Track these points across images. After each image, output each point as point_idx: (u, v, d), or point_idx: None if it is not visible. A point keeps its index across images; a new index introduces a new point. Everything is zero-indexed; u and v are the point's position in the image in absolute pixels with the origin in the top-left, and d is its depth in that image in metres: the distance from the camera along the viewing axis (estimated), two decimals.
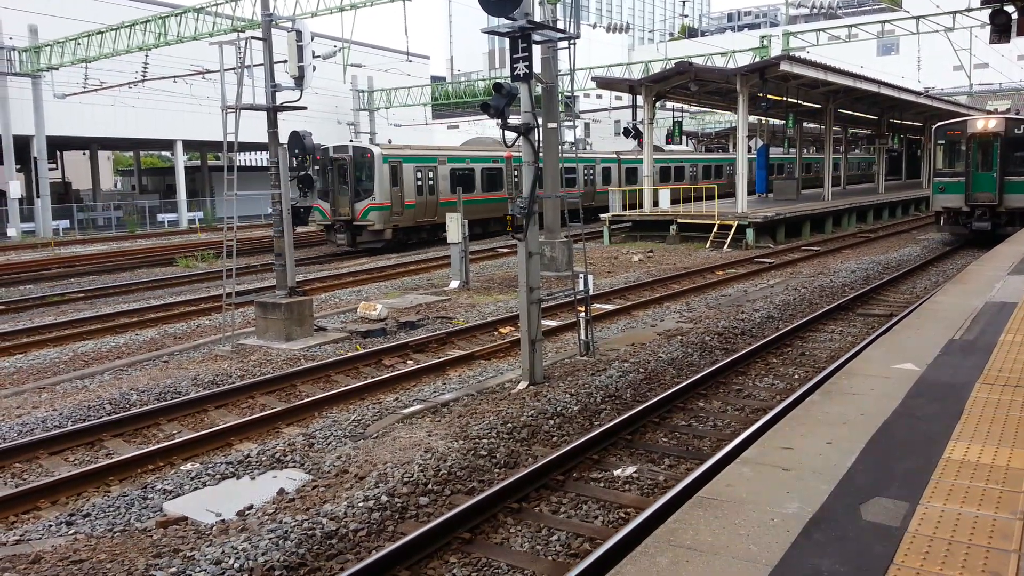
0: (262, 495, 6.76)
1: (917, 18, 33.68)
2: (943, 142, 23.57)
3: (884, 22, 36.33)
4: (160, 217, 44.17)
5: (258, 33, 13.35)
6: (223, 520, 6.33)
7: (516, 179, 29.32)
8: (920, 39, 42.24)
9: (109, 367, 11.55)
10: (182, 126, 42.74)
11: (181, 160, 45.51)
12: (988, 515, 4.03)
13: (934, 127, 24.71)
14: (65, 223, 40.09)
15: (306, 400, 9.45)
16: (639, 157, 35.14)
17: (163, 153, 71.99)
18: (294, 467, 7.39)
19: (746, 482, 4.51)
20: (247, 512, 6.46)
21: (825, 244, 25.85)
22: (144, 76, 33.59)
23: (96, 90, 34.16)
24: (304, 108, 12.98)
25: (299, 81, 12.80)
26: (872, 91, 31.37)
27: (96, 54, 33.76)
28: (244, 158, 70.05)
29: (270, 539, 5.77)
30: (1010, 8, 13.12)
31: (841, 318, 13.59)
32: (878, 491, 4.31)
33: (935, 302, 10.06)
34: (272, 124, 13.09)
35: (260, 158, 67.14)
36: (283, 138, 13.09)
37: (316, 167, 24.61)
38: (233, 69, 12.80)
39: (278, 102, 13.04)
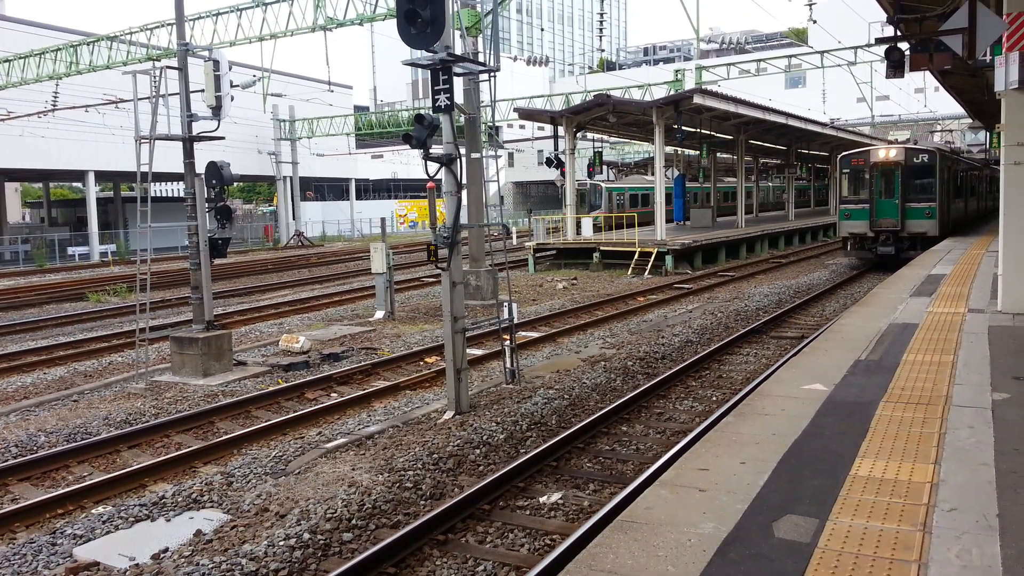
0: (178, 537, 6.54)
1: (821, 53, 35.37)
2: (848, 171, 24.61)
3: (790, 56, 37.93)
4: (71, 250, 42.53)
5: (174, 62, 13.13)
6: (137, 564, 6.10)
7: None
8: (825, 73, 44.28)
9: (15, 408, 11.02)
10: (94, 156, 41.47)
11: (93, 191, 44.04)
12: (892, 528, 4.22)
13: (839, 156, 25.78)
14: None
15: (224, 437, 9.20)
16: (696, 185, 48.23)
17: (74, 184, 69.53)
18: (212, 507, 7.18)
19: (664, 504, 4.61)
20: (162, 555, 6.24)
21: (740, 270, 26.67)
22: (55, 105, 32.51)
23: (3, 120, 32.86)
24: (222, 138, 12.79)
25: (216, 111, 12.63)
26: (780, 122, 32.74)
27: (3, 83, 32.51)
28: (160, 189, 68.20)
29: None
30: (903, 45, 13.91)
31: (755, 341, 14.04)
32: (789, 508, 4.47)
33: (842, 324, 10.49)
34: (188, 155, 12.85)
35: (177, 188, 65.42)
36: (201, 168, 12.85)
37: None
38: (148, 99, 12.54)
39: (195, 132, 12.82)
